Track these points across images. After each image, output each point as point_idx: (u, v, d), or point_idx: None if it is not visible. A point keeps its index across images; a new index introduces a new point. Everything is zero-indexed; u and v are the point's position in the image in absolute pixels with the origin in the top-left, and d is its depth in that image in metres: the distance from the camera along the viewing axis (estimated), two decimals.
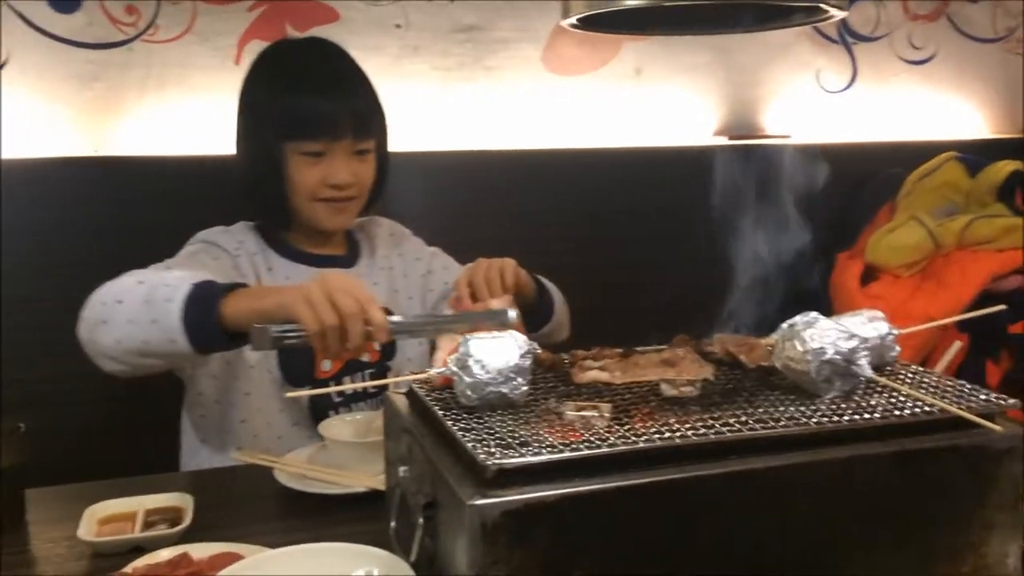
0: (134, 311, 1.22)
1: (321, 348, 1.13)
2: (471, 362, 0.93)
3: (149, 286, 1.23)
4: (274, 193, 1.52)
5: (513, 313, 1.17)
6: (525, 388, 0.94)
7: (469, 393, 0.93)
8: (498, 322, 1.14)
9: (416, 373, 1.03)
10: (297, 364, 1.49)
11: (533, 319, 1.55)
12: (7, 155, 1.92)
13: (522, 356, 0.94)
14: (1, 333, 1.83)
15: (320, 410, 1.50)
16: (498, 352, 0.94)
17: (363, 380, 1.55)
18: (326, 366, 1.52)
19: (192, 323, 1.18)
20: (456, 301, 1.36)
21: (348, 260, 1.65)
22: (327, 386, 1.52)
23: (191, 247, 1.54)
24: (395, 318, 1.15)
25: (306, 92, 1.49)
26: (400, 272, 1.70)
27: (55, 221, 1.91)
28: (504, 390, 0.93)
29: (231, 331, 1.18)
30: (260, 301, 1.18)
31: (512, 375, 0.93)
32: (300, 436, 1.49)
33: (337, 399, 1.54)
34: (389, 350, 1.59)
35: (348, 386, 1.39)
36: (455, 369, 0.94)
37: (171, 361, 1.28)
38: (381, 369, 1.58)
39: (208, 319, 1.18)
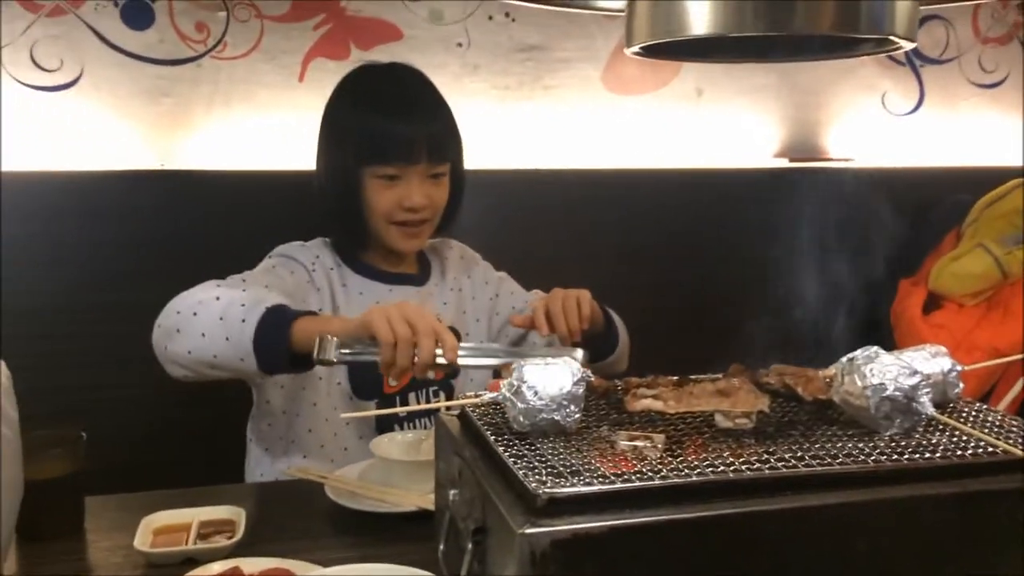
0: (208, 325, 1.27)
1: (389, 362, 1.17)
2: (524, 388, 0.93)
3: (225, 302, 1.28)
4: (351, 214, 1.56)
5: (582, 356, 1.17)
6: (578, 416, 0.94)
7: (521, 419, 0.93)
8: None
9: (470, 396, 1.04)
10: (366, 377, 1.51)
11: (598, 351, 1.56)
12: (76, 167, 1.98)
13: (575, 383, 0.94)
14: (60, 342, 1.89)
15: (386, 423, 1.52)
16: (552, 378, 0.93)
17: (428, 397, 1.57)
18: (393, 381, 1.53)
19: (262, 346, 1.24)
20: (527, 322, 1.41)
21: (419, 279, 1.67)
22: (394, 400, 1.54)
23: (270, 260, 1.58)
24: (466, 344, 1.17)
25: (382, 117, 1.52)
26: (469, 295, 1.72)
27: (123, 233, 1.97)
28: (556, 417, 0.92)
29: (298, 354, 1.23)
30: (328, 324, 1.25)
31: (565, 402, 0.93)
32: (365, 450, 1.50)
33: (402, 415, 1.55)
34: (454, 369, 1.60)
35: (402, 408, 1.40)
36: (508, 395, 0.94)
37: (238, 375, 1.32)
38: (446, 387, 1.60)
39: (279, 344, 1.24)
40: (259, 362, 1.25)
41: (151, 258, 1.96)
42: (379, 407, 1.52)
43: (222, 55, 2.06)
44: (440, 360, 1.18)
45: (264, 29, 2.08)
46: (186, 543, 1.15)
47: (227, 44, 2.07)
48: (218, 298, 1.30)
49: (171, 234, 1.99)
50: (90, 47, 1.99)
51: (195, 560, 1.11)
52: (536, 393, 0.92)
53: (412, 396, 1.56)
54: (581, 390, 0.94)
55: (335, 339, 1.16)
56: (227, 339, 1.25)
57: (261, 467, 1.58)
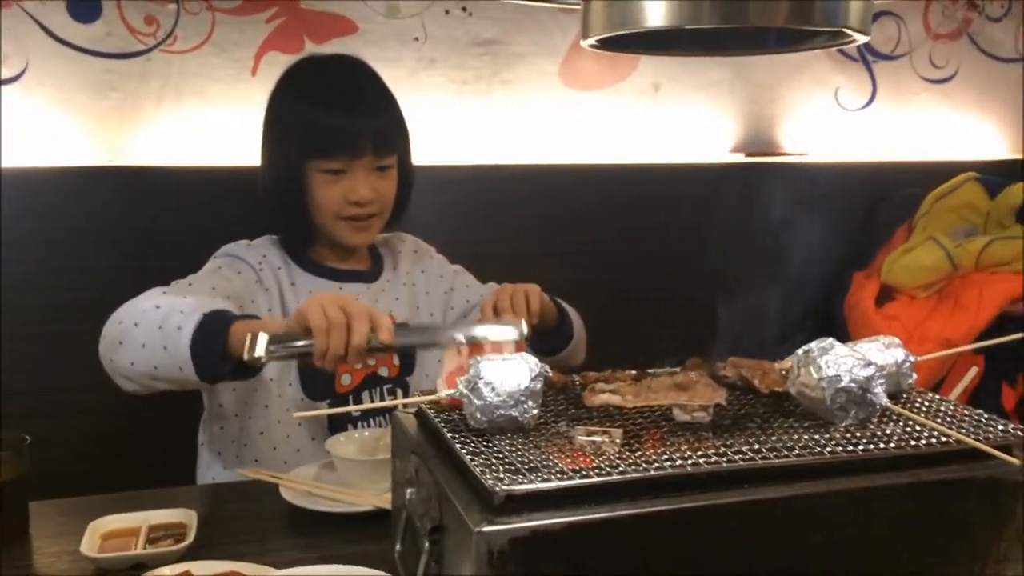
0: (148, 335, 1.24)
1: (323, 349, 1.14)
2: (481, 384, 0.91)
3: (165, 311, 1.25)
4: (297, 210, 1.53)
5: (524, 328, 1.16)
6: (536, 412, 0.93)
7: (479, 416, 0.91)
8: (507, 336, 1.13)
9: (425, 393, 1.02)
10: (317, 377, 1.49)
11: (552, 343, 1.56)
12: (21, 164, 1.93)
13: (533, 379, 0.93)
14: (2, 344, 1.83)
15: (339, 424, 1.50)
16: (509, 374, 0.92)
17: (382, 396, 1.55)
18: (346, 380, 1.51)
19: (199, 353, 1.20)
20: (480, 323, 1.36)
21: (371, 275, 1.64)
22: (347, 400, 1.52)
23: (215, 261, 1.55)
24: (404, 324, 1.15)
25: (325, 110, 1.49)
26: (422, 289, 1.69)
27: (68, 230, 1.92)
28: (514, 413, 0.92)
29: (238, 360, 1.19)
30: (268, 324, 1.22)
31: (523, 398, 0.92)
32: (319, 450, 1.48)
33: (355, 414, 1.53)
34: (407, 365, 1.58)
35: (357, 407, 1.38)
36: (465, 391, 0.92)
37: (183, 386, 1.28)
38: (400, 384, 1.58)
39: (215, 350, 1.20)
40: (198, 370, 1.20)
41: (99, 257, 1.91)
42: (332, 407, 1.50)
43: (172, 48, 2.02)
44: (375, 344, 1.16)
45: (215, 22, 2.05)
46: (135, 548, 1.12)
47: (177, 37, 2.02)
48: (158, 306, 1.26)
49: (120, 232, 1.95)
50: (35, 40, 1.94)
51: (144, 565, 1.08)
52: (493, 389, 0.91)
53: (366, 395, 1.54)
54: (539, 386, 0.94)
55: (265, 335, 1.12)
56: (165, 348, 1.21)
57: (212, 471, 1.55)
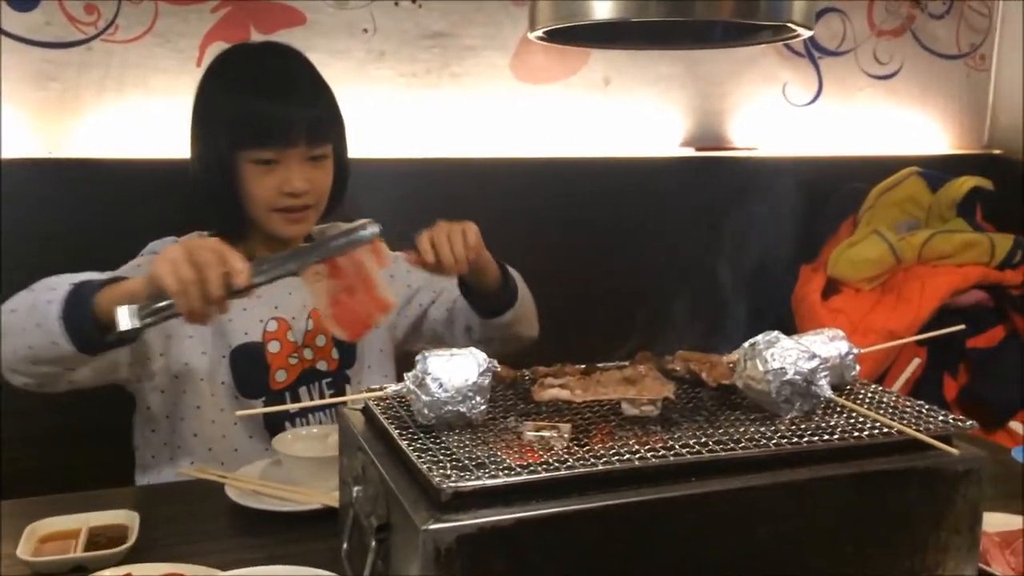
0: (22, 318, 1.21)
1: (186, 309, 1.12)
2: (429, 380, 0.91)
3: (37, 291, 1.23)
4: (228, 203, 1.48)
5: (376, 228, 1.13)
6: (484, 407, 0.93)
7: (426, 412, 0.91)
8: (360, 239, 1.11)
9: (373, 389, 1.01)
10: (251, 375, 1.46)
11: (494, 304, 1.53)
12: None
13: (481, 374, 0.92)
14: None
15: (275, 422, 1.47)
16: (457, 370, 0.92)
17: (321, 390, 1.51)
18: (280, 376, 1.48)
19: (71, 325, 1.17)
20: (414, 257, 1.34)
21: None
22: (283, 396, 1.49)
23: (139, 259, 1.50)
24: (257, 263, 1.13)
25: (256, 99, 1.44)
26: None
27: (5, 224, 1.86)
28: (462, 409, 0.91)
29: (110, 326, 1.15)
30: (129, 284, 1.19)
31: (471, 394, 0.91)
32: (257, 449, 1.46)
33: (293, 412, 1.50)
34: (348, 358, 1.56)
35: (303, 404, 1.35)
36: (412, 387, 0.92)
37: (65, 364, 1.23)
38: (340, 378, 1.55)
39: (85, 317, 1.17)
40: (73, 341, 1.17)
41: (39, 252, 1.86)
42: (267, 404, 1.46)
43: (114, 38, 1.97)
44: (236, 287, 1.12)
45: (159, 11, 2.00)
46: (74, 551, 1.09)
47: (119, 27, 1.98)
48: (32, 289, 1.24)
49: (60, 226, 1.90)
50: None
51: (84, 568, 1.05)
52: (441, 385, 0.90)
53: (303, 391, 1.50)
54: (487, 381, 0.93)
55: (130, 307, 1.09)
56: (38, 325, 1.18)
57: (148, 476, 1.51)
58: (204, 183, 1.50)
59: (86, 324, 1.17)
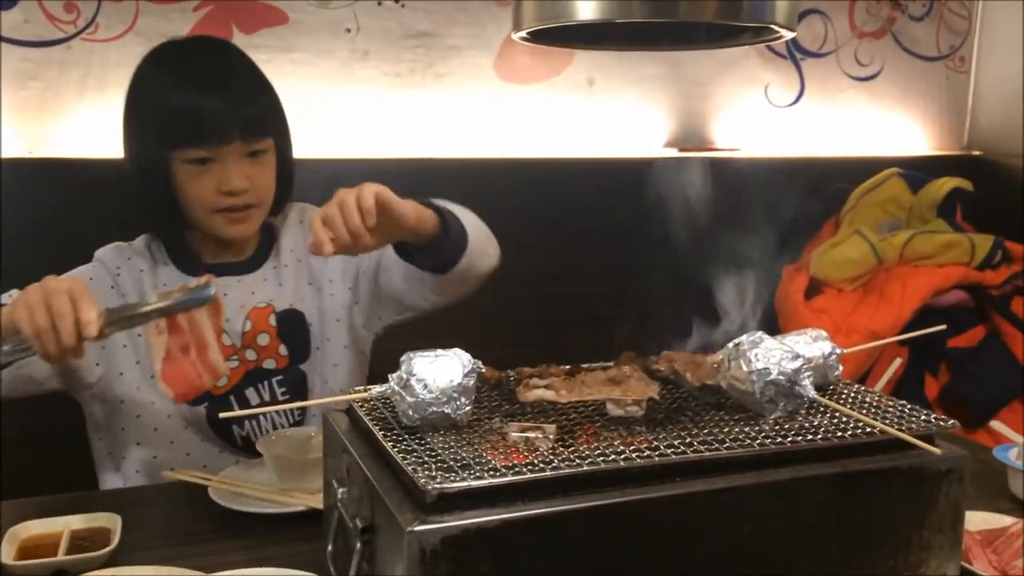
0: None
1: (41, 353, 1.12)
2: (413, 381, 0.90)
3: None
4: (164, 205, 1.42)
5: (213, 289, 1.11)
6: (468, 408, 0.92)
7: (411, 413, 0.90)
8: (199, 300, 1.10)
9: (358, 391, 1.01)
10: None
11: (442, 256, 1.41)
12: None
13: (466, 375, 0.92)
14: None
15: (223, 426, 1.45)
16: (441, 371, 0.92)
17: (271, 389, 1.48)
18: (221, 381, 1.43)
19: None
20: (314, 247, 1.21)
21: (251, 264, 1.53)
22: (227, 399, 1.45)
23: (85, 265, 1.47)
24: (108, 312, 1.12)
25: (185, 95, 1.38)
26: (333, 264, 1.56)
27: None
28: (447, 410, 0.91)
29: None
30: (4, 314, 1.16)
31: (456, 395, 0.91)
32: (210, 452, 1.45)
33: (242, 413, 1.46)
34: (299, 353, 1.51)
35: (287, 405, 1.34)
36: (397, 388, 0.91)
37: None
38: (292, 375, 1.50)
39: None
40: None
41: (19, 252, 1.84)
42: (210, 408, 1.43)
43: (94, 37, 1.96)
44: (87, 337, 1.10)
45: (139, 10, 1.99)
46: (56, 554, 1.08)
47: (99, 25, 1.97)
48: None
49: (41, 225, 1.88)
50: None
51: (67, 572, 1.05)
52: (426, 386, 0.90)
53: (251, 392, 1.47)
54: (472, 382, 0.93)
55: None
56: None
57: (110, 481, 1.49)
58: (136, 185, 1.44)
59: None
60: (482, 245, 1.49)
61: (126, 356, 1.43)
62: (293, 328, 1.51)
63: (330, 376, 1.53)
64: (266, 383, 1.48)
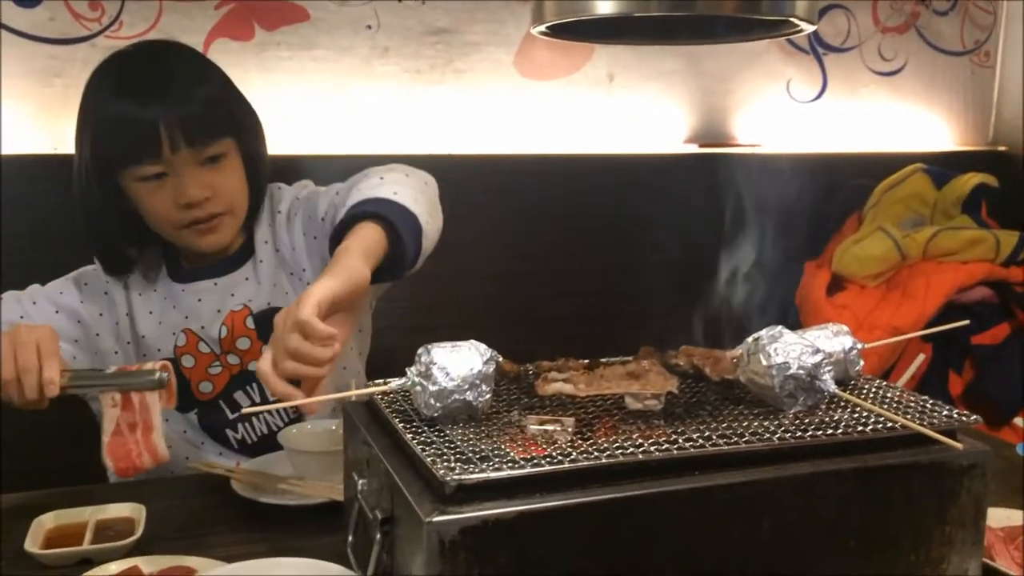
0: None
1: (6, 400, 1.15)
2: (435, 370, 0.90)
3: None
4: (127, 230, 1.38)
5: (166, 375, 1.14)
6: (489, 396, 0.92)
7: (432, 402, 0.90)
8: (151, 383, 1.13)
9: (377, 384, 1.01)
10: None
11: (399, 269, 1.23)
12: None
13: (485, 363, 0.92)
14: None
15: (216, 430, 1.45)
16: (461, 360, 0.91)
17: (260, 390, 1.45)
18: (205, 388, 1.44)
19: None
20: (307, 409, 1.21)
21: (229, 265, 1.45)
22: (217, 404, 1.44)
23: (80, 269, 1.48)
24: (71, 374, 1.15)
25: (118, 109, 1.30)
26: (289, 246, 1.47)
27: (12, 222, 1.87)
28: (469, 397, 0.90)
29: None
30: None
31: (477, 382, 0.91)
32: (211, 454, 1.45)
33: (233, 415, 1.46)
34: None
35: (310, 400, 1.30)
36: (417, 379, 0.91)
37: None
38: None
39: None
40: None
41: (43, 249, 1.86)
42: (200, 414, 1.44)
43: (118, 35, 1.98)
44: (48, 393, 1.14)
45: (163, 8, 2.01)
46: (82, 543, 1.09)
47: (123, 23, 1.98)
48: None
49: (66, 224, 1.90)
50: None
51: (91, 561, 1.06)
52: (447, 374, 0.90)
53: (239, 394, 1.45)
54: (491, 369, 0.93)
55: None
56: None
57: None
58: (93, 216, 1.38)
59: None
60: (434, 225, 1.32)
61: (118, 362, 1.43)
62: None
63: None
64: (255, 384, 1.45)
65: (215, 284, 1.45)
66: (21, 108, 1.94)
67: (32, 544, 1.09)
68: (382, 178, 1.29)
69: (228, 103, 1.39)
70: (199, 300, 1.43)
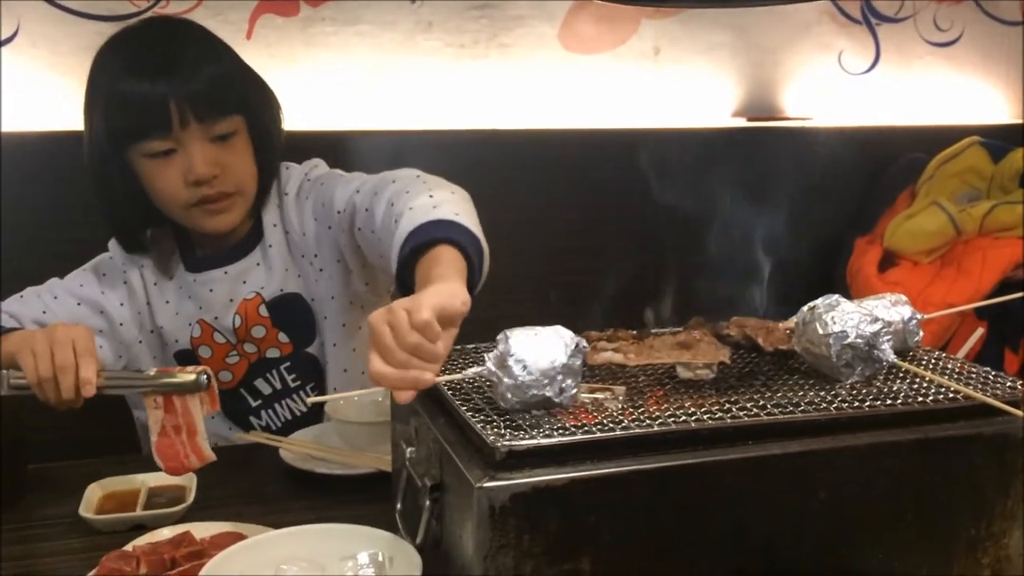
0: None
1: (42, 399, 1.14)
2: (511, 362, 0.83)
3: None
4: (124, 206, 1.37)
5: (204, 378, 1.11)
6: (574, 391, 0.85)
7: (509, 396, 0.83)
8: (190, 387, 1.11)
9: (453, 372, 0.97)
10: None
11: (472, 289, 1.11)
12: (12, 128, 1.90)
13: (570, 355, 0.84)
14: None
15: (241, 416, 1.45)
16: (543, 351, 0.84)
17: (280, 376, 1.45)
18: (225, 377, 1.44)
19: None
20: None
21: (239, 250, 1.44)
22: (238, 392, 1.45)
23: (96, 259, 1.48)
24: (107, 374, 1.15)
25: (127, 84, 1.29)
26: (299, 229, 1.44)
27: (61, 197, 1.89)
28: (548, 392, 0.83)
29: None
30: (10, 345, 1.20)
31: (559, 376, 0.83)
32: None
33: (255, 403, 1.46)
34: (303, 338, 1.45)
35: (359, 392, 1.27)
36: (493, 369, 0.85)
37: None
38: (300, 360, 1.45)
39: None
40: None
41: (93, 225, 1.89)
42: (223, 400, 1.36)
43: (166, 11, 1.99)
44: (85, 393, 1.13)
45: None
46: (134, 509, 1.11)
47: (171, 0, 1.99)
48: None
49: None
50: (27, 3, 1.91)
51: (144, 526, 1.08)
52: (525, 367, 0.83)
53: (260, 382, 1.45)
54: (578, 363, 0.85)
55: (6, 373, 1.14)
56: None
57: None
58: (94, 183, 1.37)
59: None
60: (482, 244, 1.20)
61: (141, 351, 1.45)
62: (290, 313, 1.44)
63: (343, 356, 1.46)
64: (275, 372, 1.45)
65: (225, 273, 1.43)
66: (72, 85, 1.96)
67: (87, 510, 1.11)
68: (431, 195, 1.22)
69: (238, 81, 1.37)
70: (211, 290, 1.42)
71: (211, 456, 1.14)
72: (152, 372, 1.13)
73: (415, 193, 1.22)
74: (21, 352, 1.14)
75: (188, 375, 1.11)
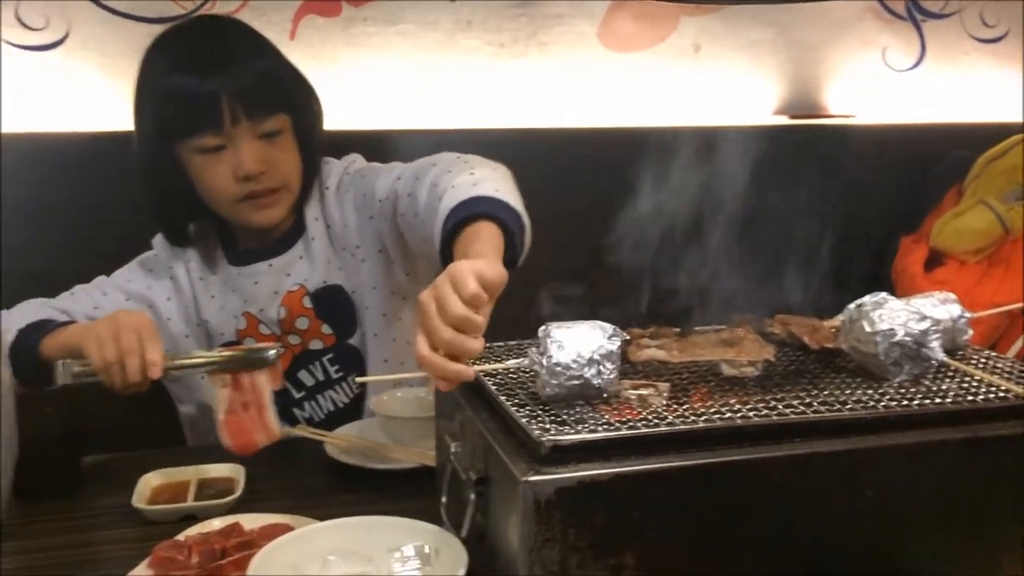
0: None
1: (108, 384, 1.17)
2: (551, 344, 0.85)
3: (12, 313, 1.34)
4: (173, 200, 1.41)
5: (273, 352, 1.15)
6: (615, 376, 0.87)
7: (550, 381, 0.85)
8: (258, 361, 1.14)
9: (496, 363, 0.99)
10: None
11: (512, 264, 1.15)
12: (65, 128, 1.94)
13: (609, 338, 0.87)
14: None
15: (284, 409, 1.45)
16: (582, 337, 0.87)
17: (323, 368, 1.47)
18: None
19: (16, 361, 1.25)
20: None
21: (281, 246, 1.47)
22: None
23: (142, 255, 1.51)
24: (173, 355, 1.18)
25: (179, 79, 1.32)
26: (340, 222, 1.47)
27: (113, 197, 1.92)
28: (588, 374, 0.85)
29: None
30: (68, 337, 1.24)
31: (597, 358, 0.86)
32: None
33: (298, 394, 1.48)
34: (345, 330, 1.47)
35: (408, 375, 1.27)
36: (536, 358, 0.87)
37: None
38: (343, 351, 1.48)
39: (27, 362, 1.26)
40: (18, 376, 1.24)
41: (139, 224, 1.92)
42: None
43: (212, 12, 2.02)
44: (152, 375, 1.16)
45: None
46: (186, 500, 1.14)
47: (216, 2, 2.02)
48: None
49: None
50: (77, 5, 1.95)
51: (194, 517, 1.10)
52: (563, 348, 0.85)
53: (303, 374, 1.48)
54: (616, 347, 0.87)
55: (65, 364, 1.17)
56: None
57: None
58: (143, 179, 1.42)
59: (30, 367, 1.25)
60: (525, 219, 1.25)
61: (188, 346, 1.47)
62: (332, 304, 1.46)
63: (383, 346, 1.48)
64: (317, 363, 1.48)
65: (270, 265, 1.46)
66: (121, 87, 1.99)
67: (139, 500, 1.13)
68: (472, 172, 1.24)
69: (284, 79, 1.41)
70: (255, 283, 1.45)
71: (279, 431, 1.16)
72: (216, 350, 1.16)
73: (456, 172, 1.25)
74: (85, 340, 1.17)
75: (258, 350, 1.14)
